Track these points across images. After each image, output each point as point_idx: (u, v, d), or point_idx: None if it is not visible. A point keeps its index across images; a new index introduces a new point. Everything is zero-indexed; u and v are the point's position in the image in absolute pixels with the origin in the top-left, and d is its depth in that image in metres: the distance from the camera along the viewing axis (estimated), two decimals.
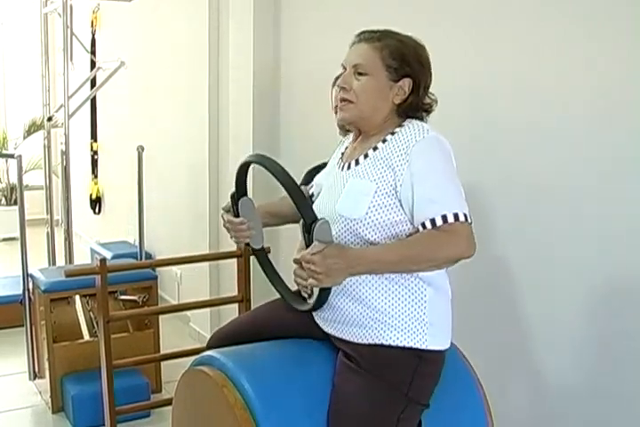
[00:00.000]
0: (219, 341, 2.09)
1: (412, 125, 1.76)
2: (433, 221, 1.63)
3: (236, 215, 1.91)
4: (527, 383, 2.32)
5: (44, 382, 3.41)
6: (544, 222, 2.20)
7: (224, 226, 1.96)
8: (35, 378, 3.57)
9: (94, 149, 6.03)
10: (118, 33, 5.53)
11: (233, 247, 3.05)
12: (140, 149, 3.95)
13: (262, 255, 1.97)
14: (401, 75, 1.77)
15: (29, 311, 3.55)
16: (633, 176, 1.94)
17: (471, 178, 2.44)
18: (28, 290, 3.53)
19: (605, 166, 2.02)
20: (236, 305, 3.08)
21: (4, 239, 6.62)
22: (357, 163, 1.81)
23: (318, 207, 1.85)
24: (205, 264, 4.03)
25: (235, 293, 3.07)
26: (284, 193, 1.68)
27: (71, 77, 4.28)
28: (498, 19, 2.32)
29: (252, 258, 3.00)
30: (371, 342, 1.73)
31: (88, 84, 4.99)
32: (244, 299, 3.02)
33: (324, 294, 1.69)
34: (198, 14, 4.03)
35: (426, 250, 1.63)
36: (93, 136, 5.97)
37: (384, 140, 1.77)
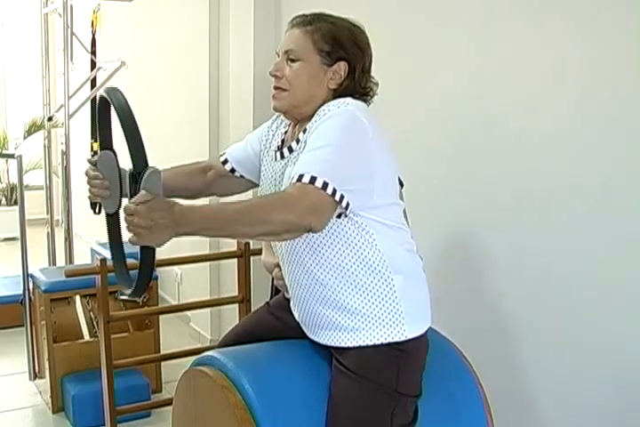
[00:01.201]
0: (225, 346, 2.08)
1: (334, 100, 1.70)
2: (290, 179, 1.53)
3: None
4: (528, 382, 2.32)
5: (45, 382, 3.41)
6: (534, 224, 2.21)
7: (85, 181, 1.74)
8: (35, 378, 3.57)
9: (94, 149, 6.01)
10: (119, 33, 5.53)
11: (233, 247, 3.05)
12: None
13: (112, 222, 1.70)
14: (335, 58, 1.72)
15: (29, 311, 3.55)
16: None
17: (471, 176, 2.45)
18: (29, 290, 3.53)
19: (610, 168, 2.02)
20: (236, 305, 3.08)
21: (5, 239, 6.62)
22: (291, 150, 1.76)
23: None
24: (206, 264, 4.03)
25: (235, 293, 3.07)
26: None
27: (71, 77, 4.28)
28: (498, 19, 2.32)
29: (252, 258, 3.01)
30: (350, 345, 1.72)
31: (88, 84, 4.98)
32: (244, 299, 3.02)
33: (146, 262, 1.43)
34: (199, 14, 4.03)
35: (261, 209, 1.48)
36: (94, 136, 5.96)
37: (310, 121, 1.71)
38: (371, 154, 1.63)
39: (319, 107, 1.71)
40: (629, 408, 1.99)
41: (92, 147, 5.96)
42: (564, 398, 2.19)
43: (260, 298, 2.93)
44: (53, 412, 3.31)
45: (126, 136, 1.42)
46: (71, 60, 4.46)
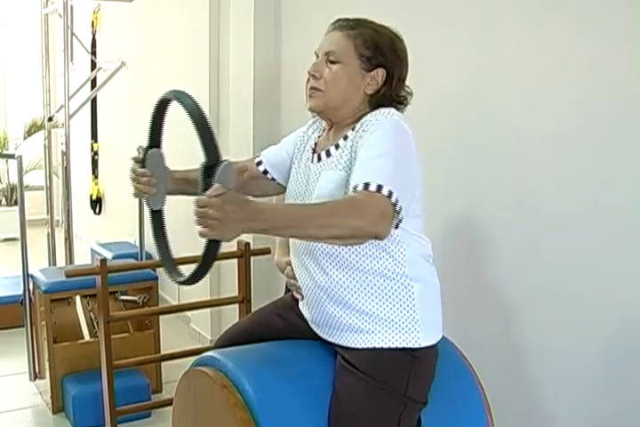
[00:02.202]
0: (222, 346, 2.08)
1: (379, 110, 1.72)
2: (355, 188, 1.53)
3: (144, 167, 1.77)
4: (528, 382, 2.32)
5: (45, 383, 3.41)
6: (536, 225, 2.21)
7: (130, 177, 1.80)
8: (35, 378, 3.57)
9: (95, 149, 6.03)
10: (119, 33, 5.53)
11: (233, 248, 3.05)
12: (141, 150, 3.94)
13: (158, 218, 1.79)
14: (374, 64, 1.73)
15: (30, 312, 3.55)
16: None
17: (472, 176, 2.45)
18: (29, 290, 3.53)
19: (610, 168, 2.02)
20: (236, 306, 3.08)
21: (5, 240, 6.62)
22: (329, 154, 1.77)
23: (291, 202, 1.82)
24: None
25: (235, 293, 3.07)
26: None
27: (72, 78, 4.28)
28: (499, 19, 2.32)
29: (252, 259, 3.01)
30: (364, 346, 1.72)
31: (88, 84, 4.99)
32: (244, 299, 3.02)
33: (210, 255, 1.44)
34: (199, 14, 4.03)
35: (331, 213, 1.48)
36: (94, 136, 5.97)
37: (353, 129, 1.73)
38: (414, 163, 1.66)
39: (355, 111, 1.74)
40: (635, 407, 1.99)
41: (92, 147, 5.99)
42: (565, 397, 2.19)
43: (260, 298, 2.94)
44: (53, 412, 3.31)
45: (199, 131, 1.44)
46: (71, 60, 4.46)
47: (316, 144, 1.87)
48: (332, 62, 1.74)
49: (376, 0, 2.79)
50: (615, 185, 2.00)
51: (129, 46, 5.28)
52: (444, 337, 1.84)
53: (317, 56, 1.78)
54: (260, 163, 2.01)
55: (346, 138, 1.74)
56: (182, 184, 1.90)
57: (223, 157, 1.44)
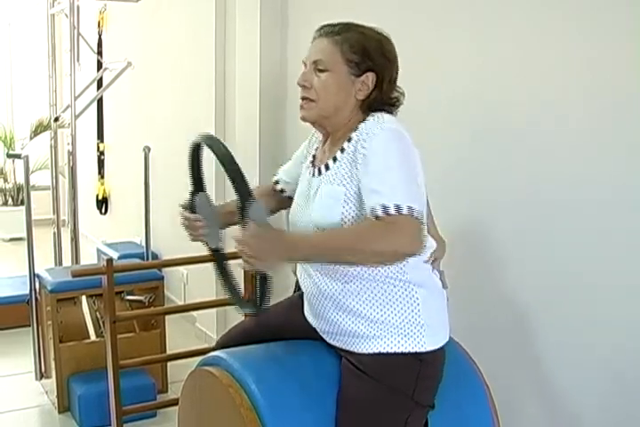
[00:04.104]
0: (225, 345, 2.09)
1: (371, 119, 1.69)
2: (373, 211, 1.54)
3: (193, 212, 1.85)
4: (533, 381, 2.31)
5: (51, 382, 3.42)
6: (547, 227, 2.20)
7: (182, 224, 1.88)
8: (41, 378, 3.57)
9: (101, 149, 6.04)
10: (125, 33, 5.54)
11: None
12: (147, 150, 3.95)
13: (218, 255, 1.88)
14: (363, 69, 1.71)
15: (36, 311, 3.56)
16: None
17: (472, 179, 2.45)
18: (35, 290, 3.53)
19: (610, 168, 2.01)
20: None
21: (11, 239, 6.64)
22: (327, 168, 1.76)
23: (294, 217, 1.84)
24: (212, 264, 4.02)
25: (241, 294, 3.07)
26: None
27: (78, 78, 4.29)
28: (499, 19, 2.32)
29: None
30: (370, 351, 1.72)
31: (95, 84, 5.00)
32: (249, 299, 3.01)
33: (263, 285, 1.57)
34: (205, 15, 4.03)
35: (364, 241, 1.51)
36: (100, 136, 5.99)
37: (349, 140, 1.71)
38: (417, 168, 1.66)
39: (349, 119, 1.73)
40: None
41: (98, 147, 6.00)
42: (575, 400, 2.18)
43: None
44: (59, 412, 3.32)
45: (229, 173, 1.53)
46: (77, 60, 4.46)
47: (314, 157, 1.87)
48: (321, 71, 1.72)
49: (376, 1, 2.79)
50: (617, 185, 1.99)
51: (135, 46, 5.28)
52: (451, 339, 1.84)
53: (305, 65, 1.77)
54: (277, 182, 2.07)
55: (343, 151, 1.72)
56: (230, 216, 1.92)
57: (254, 197, 1.52)
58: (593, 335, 2.09)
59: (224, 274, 1.85)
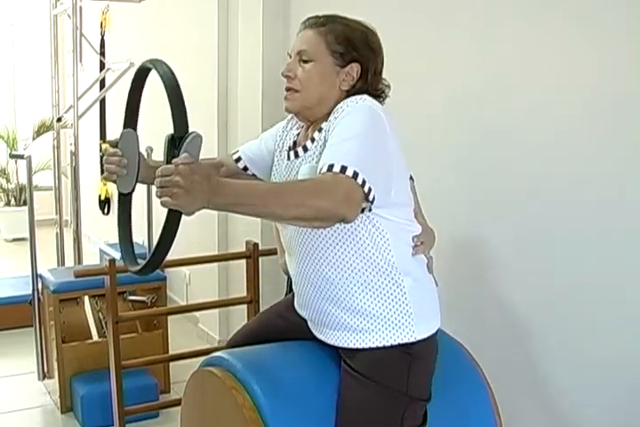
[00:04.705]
0: (233, 347, 2.08)
1: (350, 98, 1.69)
2: (320, 170, 1.51)
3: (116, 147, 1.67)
4: (533, 381, 2.31)
5: (53, 383, 3.42)
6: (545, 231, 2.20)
7: (104, 159, 1.70)
8: (44, 378, 3.58)
9: (103, 149, 6.03)
10: (127, 34, 5.54)
11: (242, 248, 3.05)
12: (149, 150, 3.95)
13: (125, 201, 1.69)
14: (348, 60, 1.71)
15: (38, 312, 3.56)
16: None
17: (472, 180, 2.45)
18: (38, 290, 3.54)
19: (610, 168, 2.01)
20: (244, 306, 3.09)
21: (14, 240, 6.65)
22: (305, 149, 1.76)
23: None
24: (214, 265, 4.03)
25: (243, 293, 3.07)
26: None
27: (80, 78, 4.29)
28: (499, 19, 2.32)
29: (260, 259, 3.01)
30: (358, 346, 1.72)
31: (97, 85, 5.00)
32: (252, 300, 3.02)
33: (170, 229, 1.36)
34: (207, 15, 4.03)
35: (296, 192, 1.44)
36: (102, 137, 5.97)
37: (328, 120, 1.70)
38: (389, 149, 1.63)
39: (332, 108, 1.70)
40: None
41: (100, 147, 5.99)
42: (575, 400, 2.18)
43: (268, 299, 2.94)
44: (62, 412, 3.32)
45: (170, 101, 1.40)
46: (80, 61, 4.47)
47: (294, 142, 1.85)
48: (305, 61, 1.72)
49: (377, 1, 2.80)
50: (617, 185, 1.99)
51: (138, 47, 5.29)
52: (452, 338, 1.84)
53: (290, 56, 1.77)
54: (239, 159, 2.00)
55: (320, 130, 1.72)
56: (152, 172, 1.87)
57: (192, 129, 1.39)
58: (593, 335, 2.09)
59: (124, 222, 1.68)
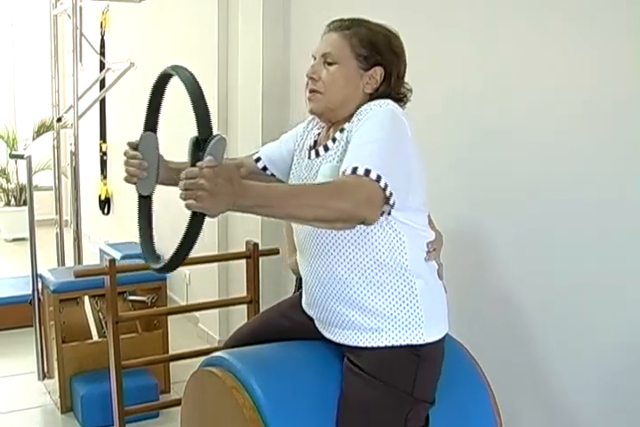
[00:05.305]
0: (233, 346, 2.08)
1: (374, 101, 1.71)
2: (343, 172, 1.52)
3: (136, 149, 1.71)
4: (533, 381, 2.31)
5: (53, 382, 3.42)
6: (546, 230, 2.20)
7: (124, 162, 1.74)
8: (44, 378, 3.58)
9: (103, 149, 6.04)
10: (127, 34, 5.54)
11: (242, 248, 3.05)
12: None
13: (145, 203, 1.73)
14: (372, 63, 1.74)
15: (38, 312, 3.57)
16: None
17: (473, 179, 2.45)
18: (38, 290, 3.54)
19: (610, 168, 2.01)
20: (244, 306, 3.09)
21: (14, 240, 6.65)
22: (327, 148, 1.78)
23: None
24: (214, 265, 4.03)
25: (244, 293, 3.07)
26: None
27: (80, 78, 4.29)
28: (499, 19, 2.32)
29: (261, 259, 3.01)
30: (368, 345, 1.72)
31: (97, 85, 5.00)
32: (252, 300, 3.02)
33: (193, 230, 1.38)
34: (207, 15, 4.03)
35: (318, 194, 1.47)
36: (102, 137, 5.98)
37: (350, 121, 1.73)
38: (409, 153, 1.65)
39: (355, 110, 1.73)
40: None
41: (100, 147, 6.00)
42: (575, 400, 2.18)
43: (268, 299, 2.94)
44: (62, 412, 3.32)
45: (194, 105, 1.41)
46: (80, 61, 4.47)
47: (315, 142, 1.87)
48: (330, 64, 1.74)
49: (377, 0, 2.80)
50: (618, 184, 1.99)
51: (137, 47, 5.29)
52: (452, 338, 1.84)
53: (315, 58, 1.79)
54: (258, 159, 2.03)
55: (342, 130, 1.74)
56: (175, 174, 1.85)
57: (215, 132, 1.40)
58: (593, 335, 2.09)
59: (144, 225, 1.71)
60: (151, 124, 1.70)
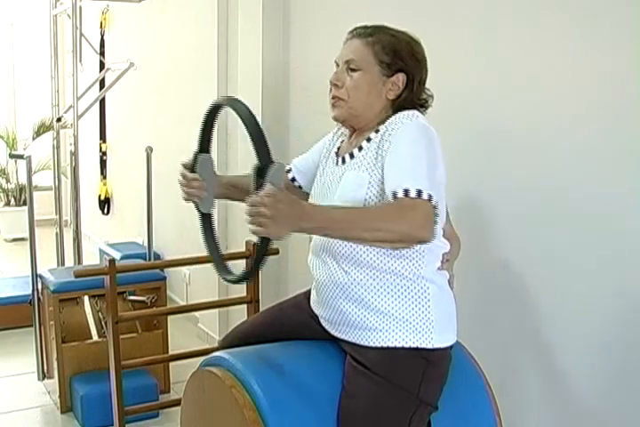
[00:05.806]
0: (229, 344, 2.09)
1: (402, 113, 1.74)
2: (395, 194, 1.56)
3: (193, 172, 1.83)
4: (535, 382, 2.31)
5: (53, 382, 3.42)
6: (550, 226, 2.20)
7: (179, 181, 1.85)
8: (44, 378, 3.58)
9: (103, 149, 6.04)
10: (127, 34, 5.55)
11: (242, 248, 3.05)
12: (149, 150, 3.95)
13: (207, 221, 1.87)
14: (394, 70, 1.76)
15: (38, 312, 3.57)
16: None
17: (475, 179, 2.45)
18: (38, 290, 3.54)
19: (610, 166, 2.01)
20: (244, 306, 3.09)
21: (14, 240, 6.65)
22: (352, 156, 1.80)
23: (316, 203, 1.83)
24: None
25: (243, 294, 3.08)
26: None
27: (80, 78, 4.29)
28: (499, 18, 2.32)
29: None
30: (377, 345, 1.73)
31: (97, 85, 5.00)
32: (252, 300, 3.02)
33: (261, 250, 1.49)
34: (207, 15, 4.03)
35: (380, 218, 1.52)
36: (102, 137, 5.99)
37: (377, 131, 1.76)
38: (441, 167, 1.69)
39: (379, 117, 1.76)
40: None
41: (100, 147, 6.00)
42: (576, 400, 2.18)
43: (268, 299, 2.94)
44: (62, 412, 3.32)
45: (251, 135, 1.49)
46: (80, 61, 4.47)
47: (339, 148, 1.90)
48: (353, 70, 1.76)
49: (377, 1, 2.79)
50: (619, 185, 1.99)
51: (137, 47, 5.29)
52: (456, 341, 1.84)
53: (337, 65, 1.81)
54: (289, 170, 2.06)
55: (369, 140, 1.76)
56: (228, 189, 1.98)
57: (275, 160, 1.49)
58: (594, 335, 2.09)
59: (210, 240, 1.84)
60: (205, 146, 1.81)
